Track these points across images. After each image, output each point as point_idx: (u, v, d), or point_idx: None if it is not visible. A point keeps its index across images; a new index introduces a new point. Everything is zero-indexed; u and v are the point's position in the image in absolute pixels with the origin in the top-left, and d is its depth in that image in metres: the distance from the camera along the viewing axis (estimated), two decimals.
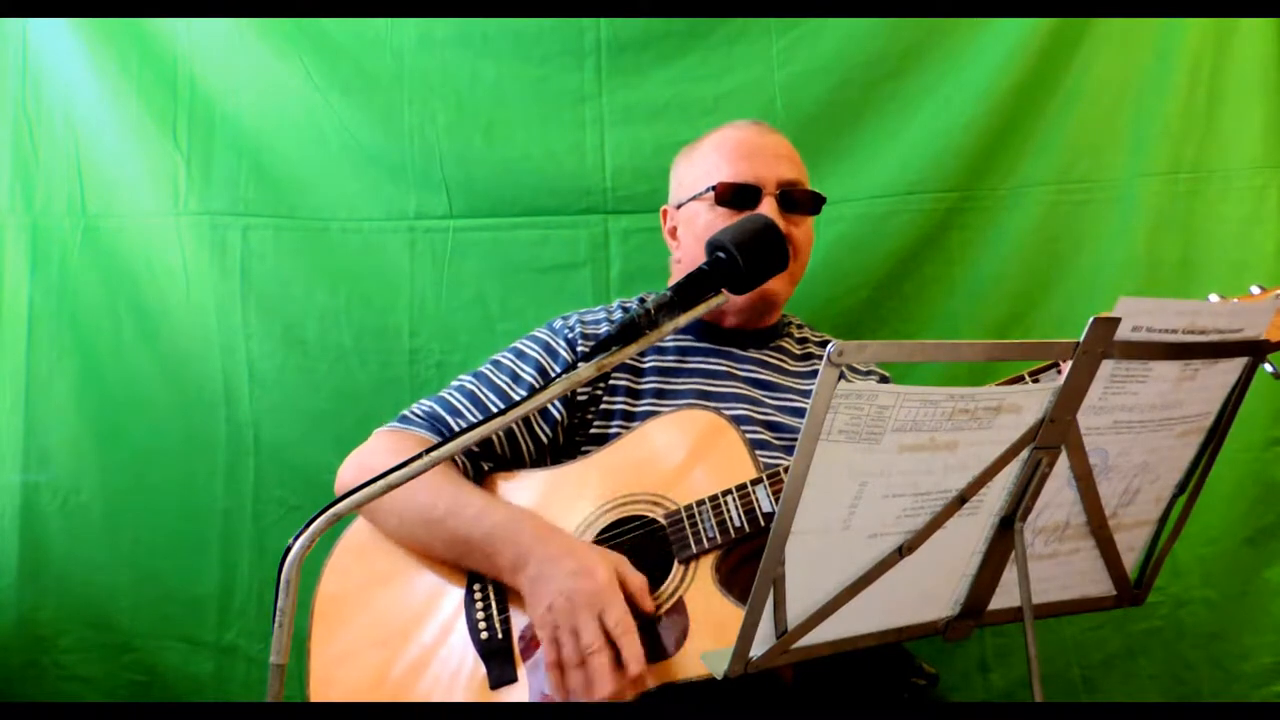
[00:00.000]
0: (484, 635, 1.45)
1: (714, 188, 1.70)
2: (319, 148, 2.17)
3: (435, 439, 1.59)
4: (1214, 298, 1.42)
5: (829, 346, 0.92)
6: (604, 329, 1.71)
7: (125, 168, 2.17)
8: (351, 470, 1.59)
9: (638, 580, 1.40)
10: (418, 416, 1.64)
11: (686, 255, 1.77)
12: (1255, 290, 1.40)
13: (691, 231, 1.74)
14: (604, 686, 1.33)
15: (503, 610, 1.47)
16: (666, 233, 1.84)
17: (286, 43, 2.18)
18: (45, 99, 2.18)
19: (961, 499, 1.06)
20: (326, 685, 1.47)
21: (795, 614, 1.04)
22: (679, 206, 1.79)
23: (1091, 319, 0.98)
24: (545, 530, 1.46)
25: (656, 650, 1.38)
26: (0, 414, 2.13)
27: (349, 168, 2.18)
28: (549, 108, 2.18)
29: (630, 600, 1.38)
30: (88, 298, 2.15)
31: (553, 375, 1.65)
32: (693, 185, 1.76)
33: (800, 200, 1.72)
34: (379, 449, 1.60)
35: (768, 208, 1.66)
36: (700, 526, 1.44)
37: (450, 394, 1.66)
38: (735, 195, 1.69)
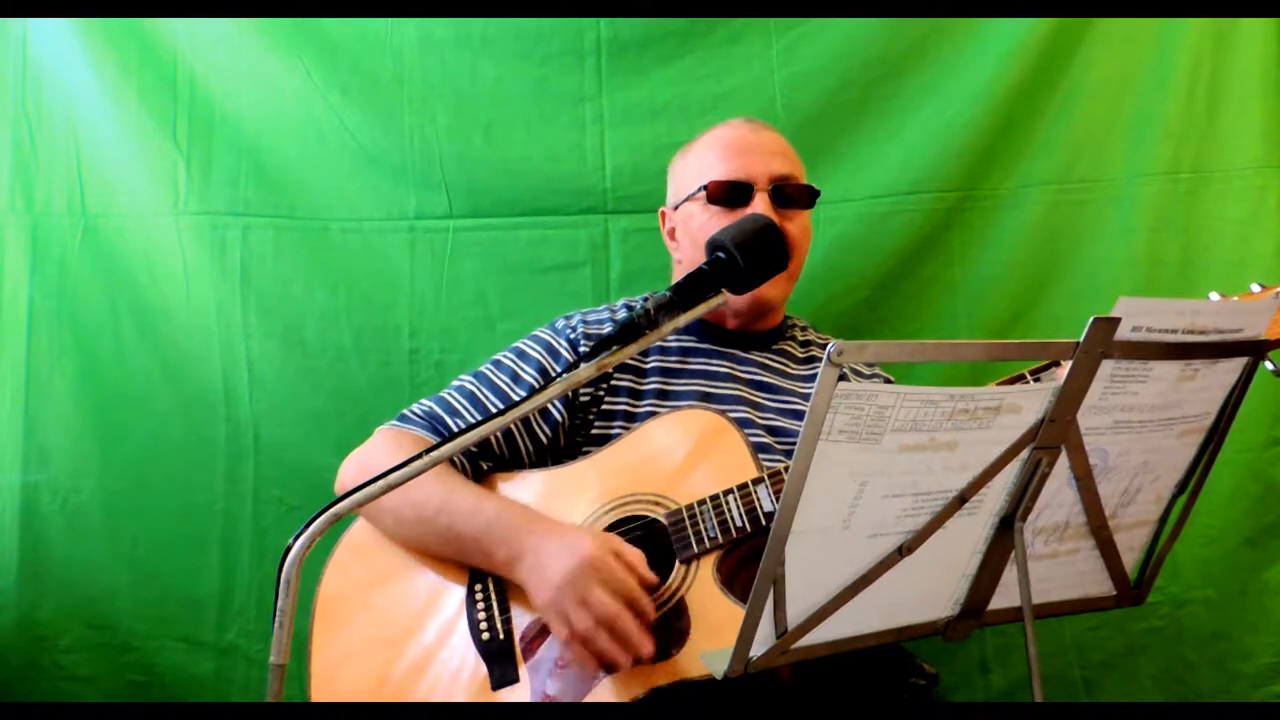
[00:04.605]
0: (485, 636, 1.45)
1: (705, 187, 1.69)
2: (319, 148, 2.17)
3: (434, 439, 1.59)
4: (1214, 296, 1.42)
5: (829, 346, 0.91)
6: (608, 329, 1.71)
7: (125, 168, 2.17)
8: (352, 470, 1.60)
9: (633, 554, 1.40)
10: (417, 416, 1.64)
11: (685, 256, 1.77)
12: (1255, 288, 1.40)
13: (688, 232, 1.74)
14: (634, 641, 1.33)
15: (504, 610, 1.47)
16: (666, 234, 1.84)
17: (286, 43, 2.18)
18: (45, 99, 2.18)
19: (961, 499, 1.06)
20: (329, 684, 1.47)
21: (795, 614, 1.04)
22: (675, 208, 1.79)
23: (1091, 319, 0.98)
24: (534, 520, 1.47)
25: (657, 650, 1.37)
26: (0, 414, 2.13)
27: (349, 168, 2.17)
28: (549, 108, 2.18)
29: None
30: (88, 298, 2.15)
31: (554, 376, 1.65)
32: (687, 186, 1.75)
33: (793, 195, 1.71)
34: (379, 449, 1.60)
35: (760, 204, 1.65)
36: (701, 526, 1.44)
37: (450, 394, 1.66)
38: (727, 193, 1.68)
